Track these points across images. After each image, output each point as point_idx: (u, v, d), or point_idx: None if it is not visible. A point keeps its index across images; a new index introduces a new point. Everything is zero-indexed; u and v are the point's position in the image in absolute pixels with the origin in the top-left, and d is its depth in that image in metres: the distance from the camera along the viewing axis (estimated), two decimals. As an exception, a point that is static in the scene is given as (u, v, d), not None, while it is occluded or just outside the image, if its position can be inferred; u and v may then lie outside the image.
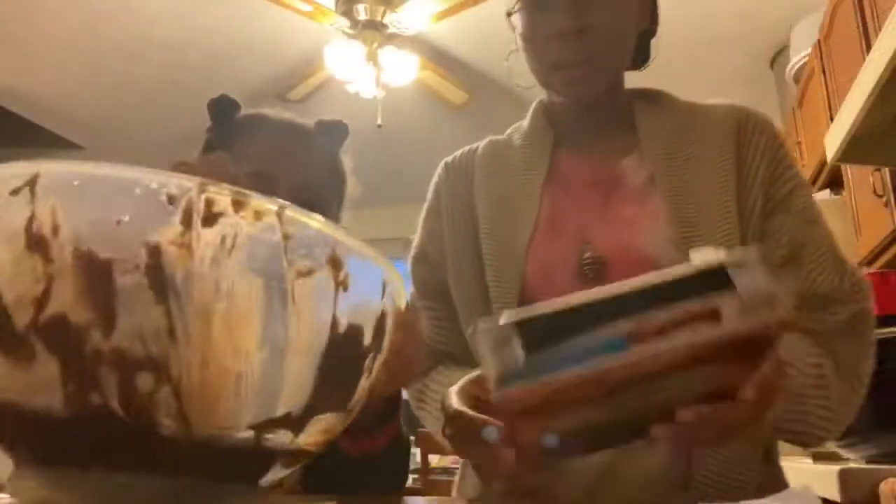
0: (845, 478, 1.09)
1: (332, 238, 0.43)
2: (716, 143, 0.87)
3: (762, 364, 0.48)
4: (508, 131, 1.00)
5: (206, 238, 0.38)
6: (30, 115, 3.98)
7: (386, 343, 0.49)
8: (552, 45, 0.84)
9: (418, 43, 3.36)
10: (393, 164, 4.27)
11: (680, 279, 0.44)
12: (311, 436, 0.44)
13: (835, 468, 1.12)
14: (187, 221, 0.38)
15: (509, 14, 0.88)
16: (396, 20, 3.16)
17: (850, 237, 2.52)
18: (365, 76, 3.22)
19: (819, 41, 2.62)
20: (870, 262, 2.36)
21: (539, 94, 0.97)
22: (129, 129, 4.12)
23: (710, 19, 3.30)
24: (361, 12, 3.12)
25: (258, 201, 0.40)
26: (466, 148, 1.00)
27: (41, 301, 0.37)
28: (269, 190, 0.85)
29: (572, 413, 0.47)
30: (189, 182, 0.38)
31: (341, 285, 0.42)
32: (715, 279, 0.44)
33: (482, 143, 0.99)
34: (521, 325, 0.45)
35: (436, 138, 3.87)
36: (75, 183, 0.39)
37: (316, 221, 0.42)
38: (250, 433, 0.40)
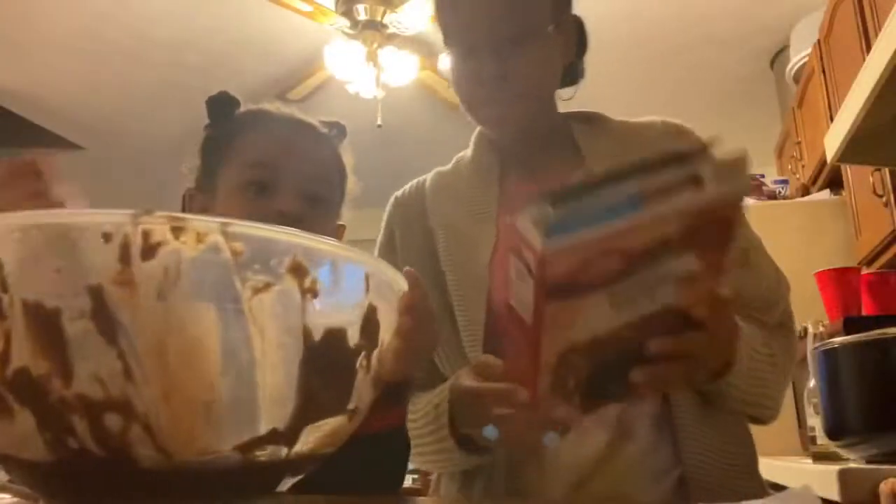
0: (845, 478, 1.09)
1: (293, 244, 0.41)
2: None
3: (735, 236, 0.56)
4: (454, 161, 1.02)
5: (148, 271, 0.37)
6: (30, 115, 3.97)
7: (387, 334, 0.48)
8: (477, 89, 0.88)
9: (418, 43, 3.35)
10: (393, 164, 4.27)
11: (666, 155, 0.52)
12: (314, 442, 0.43)
13: (835, 468, 1.12)
14: (125, 258, 0.37)
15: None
16: (396, 20, 3.16)
17: (850, 237, 2.52)
18: (365, 76, 3.22)
19: (819, 41, 2.62)
20: (870, 262, 2.35)
21: None
22: (129, 129, 4.12)
23: (710, 19, 3.30)
24: (361, 12, 3.11)
25: (198, 223, 0.38)
26: (414, 182, 1.02)
27: (3, 357, 0.37)
28: (271, 179, 0.85)
29: (593, 309, 0.53)
30: (122, 217, 0.37)
31: (309, 292, 0.41)
32: (689, 160, 0.53)
33: (429, 176, 1.01)
34: (551, 196, 0.49)
35: (436, 138, 3.87)
36: (15, 236, 0.38)
37: (268, 230, 0.40)
38: (237, 454, 0.39)
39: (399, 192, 1.02)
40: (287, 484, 0.46)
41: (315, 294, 0.41)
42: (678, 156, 0.53)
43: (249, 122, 0.91)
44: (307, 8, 2.98)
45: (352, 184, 0.97)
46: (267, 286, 0.39)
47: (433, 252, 0.92)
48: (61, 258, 0.37)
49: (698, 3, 3.19)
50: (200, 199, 0.90)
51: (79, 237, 0.38)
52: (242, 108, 0.93)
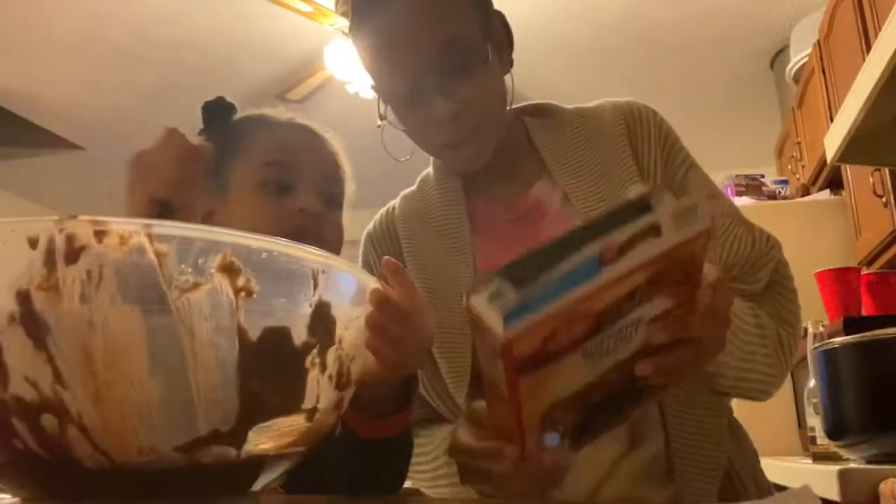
0: (845, 478, 1.09)
1: (223, 243, 0.40)
2: (613, 147, 0.88)
3: (701, 270, 0.56)
4: (418, 182, 0.99)
5: (72, 275, 0.38)
6: (30, 116, 3.98)
7: (349, 330, 0.47)
8: (432, 131, 0.84)
9: (418, 43, 3.36)
10: (392, 164, 4.24)
11: (621, 209, 0.51)
12: (269, 441, 0.43)
13: (834, 468, 1.12)
14: (50, 262, 0.38)
15: (382, 118, 0.88)
16: (396, 20, 3.16)
17: (850, 237, 2.52)
18: (365, 76, 3.22)
19: (819, 41, 2.62)
20: (870, 262, 2.36)
21: None
22: (129, 129, 4.12)
23: (710, 19, 3.30)
24: (361, 12, 3.12)
25: (120, 225, 0.39)
26: (383, 212, 0.98)
27: None
28: (290, 178, 0.85)
29: (568, 369, 0.52)
30: (46, 222, 0.38)
31: (243, 291, 0.41)
32: (646, 206, 0.52)
33: (396, 203, 0.98)
34: (507, 271, 0.48)
35: (436, 138, 3.85)
36: None
37: (194, 230, 0.40)
38: (179, 455, 0.39)
39: (370, 228, 0.98)
40: (262, 483, 0.45)
41: (250, 293, 0.41)
42: (634, 207, 0.52)
43: (255, 126, 0.91)
44: (307, 8, 2.98)
45: (349, 190, 0.97)
46: (195, 286, 0.39)
47: None
48: None
49: (698, 3, 3.19)
50: (205, 200, 0.90)
51: (5, 243, 0.38)
52: (241, 114, 0.93)
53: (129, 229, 0.39)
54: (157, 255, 0.39)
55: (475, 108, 0.82)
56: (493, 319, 0.47)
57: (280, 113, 0.94)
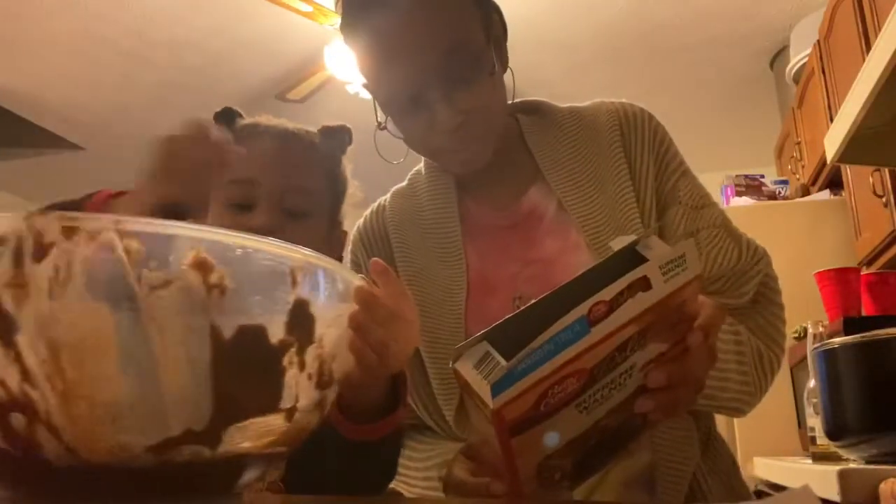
0: (845, 478, 1.09)
1: (194, 239, 0.40)
2: (607, 152, 0.86)
3: (692, 313, 0.56)
4: (409, 177, 0.96)
5: (39, 272, 0.37)
6: (30, 115, 3.97)
7: (331, 328, 0.47)
8: (433, 137, 0.81)
9: (418, 43, 3.36)
10: (392, 164, 4.23)
11: (609, 262, 0.52)
12: (247, 441, 0.42)
13: (834, 468, 1.12)
14: (18, 259, 0.37)
15: (381, 127, 0.85)
16: (396, 20, 3.16)
17: (850, 237, 2.52)
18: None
19: (819, 41, 2.62)
20: (870, 262, 2.36)
21: None
22: (130, 129, 4.12)
23: (710, 19, 3.30)
24: (361, 12, 3.12)
25: (90, 222, 0.38)
26: (375, 206, 0.96)
27: None
28: (248, 196, 0.84)
29: (563, 423, 0.51)
30: (14, 219, 0.37)
31: (215, 288, 0.40)
32: (634, 256, 0.52)
33: (387, 199, 0.95)
34: (492, 335, 0.48)
35: (436, 138, 3.85)
36: None
37: (163, 226, 0.39)
38: (151, 455, 0.38)
39: (360, 224, 0.95)
40: (244, 482, 0.45)
41: (223, 290, 0.40)
42: (622, 258, 0.51)
43: (238, 139, 0.91)
44: (307, 8, 2.98)
45: (353, 188, 0.96)
46: (165, 283, 0.39)
47: None
48: None
49: (698, 3, 3.19)
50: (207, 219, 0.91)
51: None
52: (241, 122, 0.93)
53: (99, 226, 0.38)
54: (127, 251, 0.38)
55: (479, 116, 0.79)
56: (482, 388, 0.47)
57: (267, 121, 0.93)
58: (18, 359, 0.37)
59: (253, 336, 0.41)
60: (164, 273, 0.39)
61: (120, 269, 0.38)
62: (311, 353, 0.45)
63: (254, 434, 0.42)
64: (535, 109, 0.93)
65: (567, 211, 0.84)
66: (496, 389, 0.46)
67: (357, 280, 0.55)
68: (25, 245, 0.37)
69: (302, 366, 0.44)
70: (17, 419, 0.37)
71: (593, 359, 0.49)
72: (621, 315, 0.49)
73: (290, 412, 0.44)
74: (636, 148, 0.87)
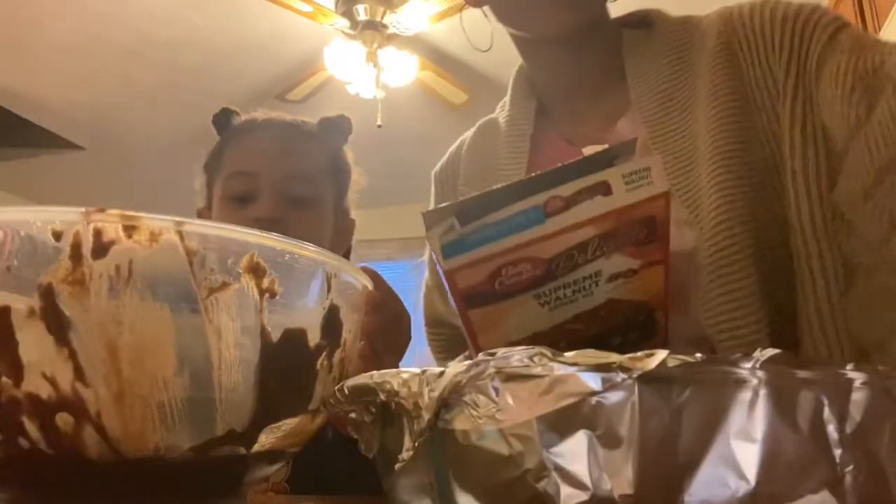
0: (845, 478, 1.09)
1: (250, 244, 0.40)
2: (708, 69, 0.71)
3: (664, 236, 0.54)
4: (498, 108, 0.90)
5: (99, 270, 0.36)
6: (30, 115, 3.97)
7: (350, 333, 0.48)
8: None
9: (418, 43, 3.35)
10: (393, 164, 4.27)
11: (581, 163, 0.53)
12: (275, 441, 0.43)
13: (835, 468, 1.12)
14: (76, 256, 0.36)
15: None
16: (396, 21, 3.16)
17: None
18: (365, 76, 3.22)
19: (819, 41, 2.62)
20: (870, 263, 2.35)
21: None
22: (129, 129, 4.12)
23: (710, 19, 3.30)
24: (361, 13, 3.11)
25: (151, 222, 0.38)
26: (455, 146, 0.92)
27: None
28: (250, 188, 0.85)
29: (521, 310, 0.54)
30: (73, 214, 0.37)
31: (267, 292, 0.40)
32: (603, 162, 0.53)
33: (469, 135, 0.91)
34: (459, 207, 0.51)
35: (436, 138, 3.86)
36: None
37: (224, 230, 0.40)
38: (190, 454, 0.38)
39: (437, 167, 0.91)
40: (247, 481, 0.46)
41: (273, 294, 0.41)
42: (591, 163, 0.53)
43: (236, 135, 0.92)
44: (307, 8, 2.98)
45: (357, 175, 0.96)
46: (223, 286, 0.39)
47: None
48: (12, 256, 0.37)
49: (698, 4, 3.18)
50: (207, 215, 0.91)
51: (29, 234, 0.37)
52: (239, 119, 0.94)
53: (160, 226, 0.38)
54: (188, 252, 0.38)
55: None
56: (437, 250, 0.50)
57: (264, 114, 0.94)
58: (72, 357, 0.36)
59: (296, 340, 0.42)
60: (222, 276, 0.39)
61: (183, 270, 0.38)
62: (337, 357, 0.46)
63: (282, 435, 0.43)
64: (643, 22, 0.81)
65: (651, 153, 0.70)
66: (447, 251, 0.49)
67: (369, 285, 0.56)
68: (84, 241, 0.37)
69: (330, 369, 0.45)
70: (64, 419, 0.36)
71: (549, 250, 0.52)
72: (578, 213, 0.51)
73: (315, 414, 0.45)
74: (743, 42, 0.71)
